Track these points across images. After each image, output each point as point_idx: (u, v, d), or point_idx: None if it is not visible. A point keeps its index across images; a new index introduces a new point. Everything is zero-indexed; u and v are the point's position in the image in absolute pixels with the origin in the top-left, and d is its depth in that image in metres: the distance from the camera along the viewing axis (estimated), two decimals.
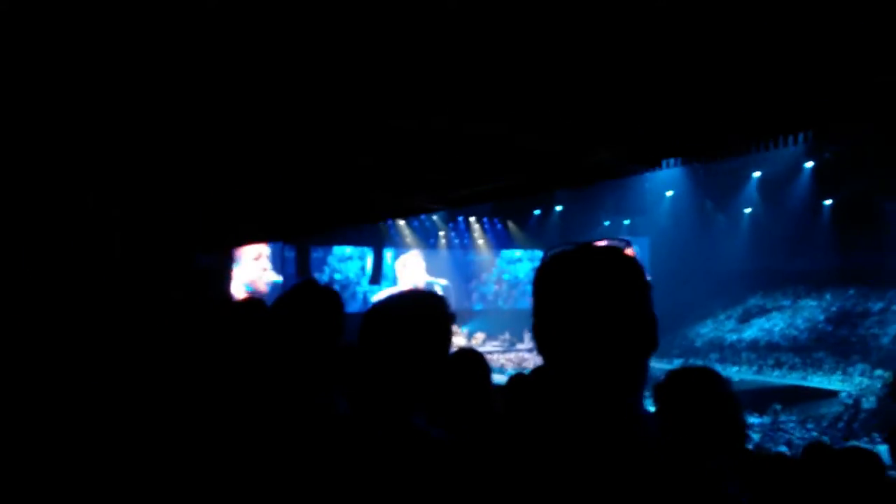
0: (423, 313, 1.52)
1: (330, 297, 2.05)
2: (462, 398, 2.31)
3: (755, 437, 16.13)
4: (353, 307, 29.19)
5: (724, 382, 1.93)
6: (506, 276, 32.49)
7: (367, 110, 3.98)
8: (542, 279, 1.13)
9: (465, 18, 2.56)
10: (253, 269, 25.14)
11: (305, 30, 2.74)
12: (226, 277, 22.19)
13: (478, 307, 31.82)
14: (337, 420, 1.64)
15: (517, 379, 2.94)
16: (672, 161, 4.58)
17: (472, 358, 2.59)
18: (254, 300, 2.46)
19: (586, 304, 1.05)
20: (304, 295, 2.04)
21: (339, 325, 2.02)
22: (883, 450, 14.79)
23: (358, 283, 29.26)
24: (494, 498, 0.99)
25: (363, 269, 29.28)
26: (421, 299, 1.57)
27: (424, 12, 2.49)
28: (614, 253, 1.11)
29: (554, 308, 1.09)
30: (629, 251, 1.12)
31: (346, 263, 29.17)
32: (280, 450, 1.66)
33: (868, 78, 3.06)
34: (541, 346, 1.11)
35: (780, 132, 3.92)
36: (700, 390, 1.85)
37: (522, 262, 32.55)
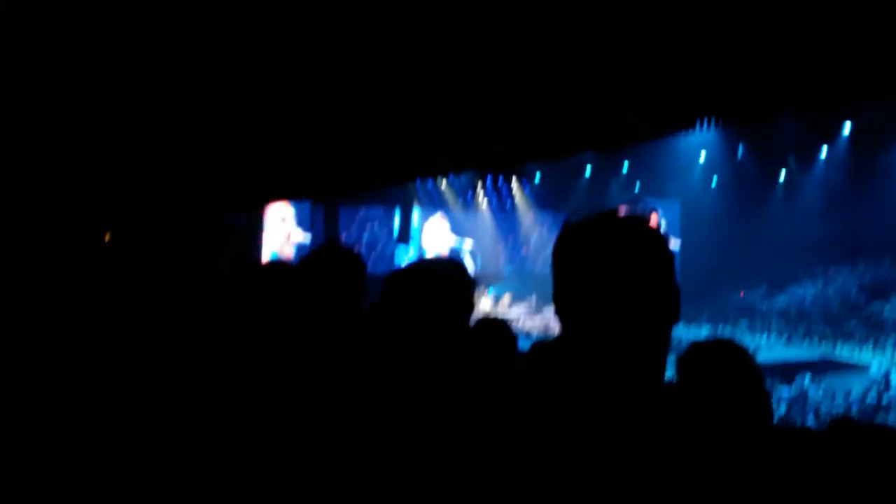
0: (442, 280, 1.50)
1: (351, 259, 2.03)
2: (486, 369, 2.29)
3: (782, 408, 16.03)
4: (380, 267, 29.46)
5: (747, 357, 1.88)
6: (533, 239, 32.39)
7: (403, 65, 3.92)
8: (563, 249, 1.10)
9: None
10: (279, 232, 25.32)
11: None
12: (255, 236, 22.45)
13: (506, 270, 31.86)
14: (360, 380, 1.64)
15: (539, 346, 2.90)
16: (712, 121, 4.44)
17: (497, 327, 2.55)
18: (278, 264, 2.45)
19: (607, 276, 1.02)
20: (325, 257, 2.02)
21: (361, 287, 2.01)
22: None
23: (386, 243, 29.41)
24: (507, 465, 0.99)
25: (391, 228, 29.40)
26: (440, 267, 1.55)
27: None
28: (637, 222, 1.07)
29: (574, 279, 1.07)
30: (653, 219, 1.09)
31: (374, 223, 29.28)
32: (301, 411, 1.66)
33: None
34: (561, 317, 1.09)
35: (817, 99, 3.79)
36: (722, 364, 1.81)
37: (549, 225, 32.40)
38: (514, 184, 31.60)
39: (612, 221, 1.07)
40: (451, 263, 1.57)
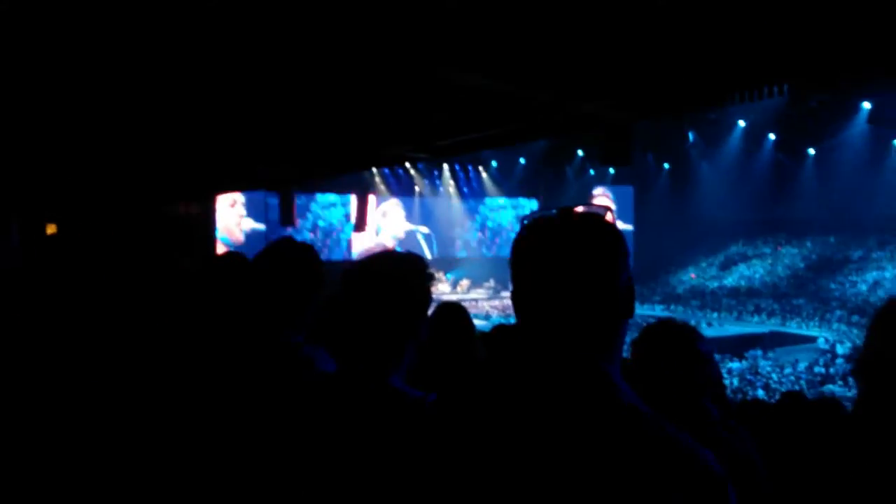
0: (401, 275, 1.49)
1: (307, 256, 2.00)
2: (445, 353, 2.30)
3: (735, 381, 16.50)
4: (336, 254, 29.27)
5: (698, 338, 1.94)
6: (489, 224, 32.56)
7: (357, 54, 3.86)
8: (521, 247, 1.10)
9: None
10: (229, 217, 24.93)
11: None
12: (208, 222, 22.06)
13: (461, 254, 31.98)
14: (317, 380, 1.62)
15: (500, 329, 2.94)
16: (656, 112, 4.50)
17: (454, 311, 2.58)
18: (233, 255, 2.40)
19: (564, 274, 1.04)
20: (281, 254, 1.99)
21: (318, 282, 1.99)
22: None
23: (342, 230, 29.23)
24: (463, 459, 1.01)
25: (346, 215, 29.22)
26: (399, 260, 1.53)
27: None
28: (594, 220, 1.09)
29: (531, 276, 1.08)
30: (609, 217, 1.10)
31: (330, 210, 29.04)
32: (259, 410, 1.64)
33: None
34: (519, 313, 1.10)
35: (760, 84, 3.86)
36: (672, 343, 1.87)
37: (506, 210, 32.59)
38: (474, 171, 31.61)
39: (569, 220, 1.08)
40: (410, 257, 1.56)
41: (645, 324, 2.05)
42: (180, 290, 2.65)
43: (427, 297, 1.57)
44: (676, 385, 1.85)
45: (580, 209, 1.11)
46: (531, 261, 1.08)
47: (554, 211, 1.11)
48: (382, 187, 29.86)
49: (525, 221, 1.12)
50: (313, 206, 28.50)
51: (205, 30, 3.41)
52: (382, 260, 1.58)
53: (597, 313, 1.05)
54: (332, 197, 28.64)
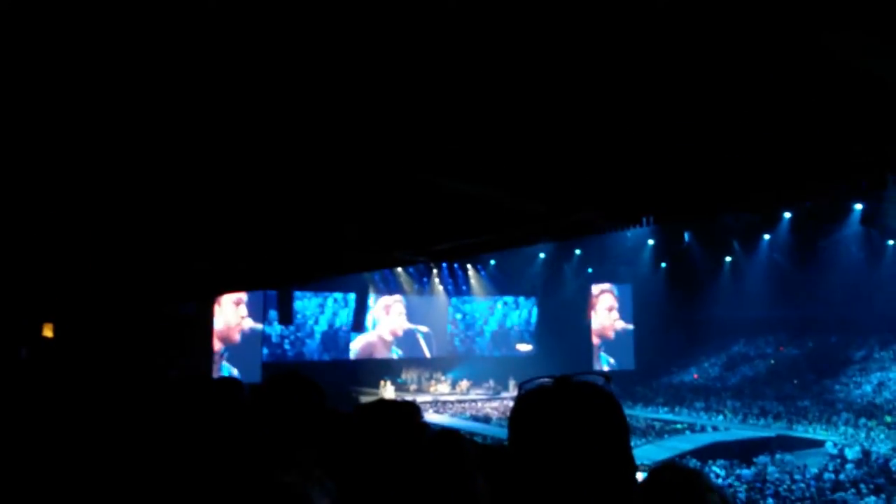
0: (394, 434, 1.45)
1: (312, 389, 1.96)
2: (444, 492, 2.20)
3: (743, 492, 15.94)
4: (334, 353, 29.09)
5: (711, 487, 1.85)
6: (481, 323, 32.72)
7: (355, 164, 3.96)
8: (519, 415, 1.10)
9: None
10: (231, 316, 24.86)
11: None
12: (207, 325, 22.00)
13: (462, 354, 31.85)
14: None
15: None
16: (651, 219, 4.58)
17: (452, 444, 2.45)
18: (230, 381, 2.37)
19: (564, 448, 1.03)
20: (286, 387, 1.95)
21: (320, 415, 1.94)
22: (871, 501, 14.45)
23: (341, 329, 29.15)
24: None
25: (347, 313, 29.25)
26: (388, 418, 1.49)
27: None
28: (591, 391, 1.08)
29: (531, 447, 1.07)
30: (606, 385, 1.10)
31: (330, 309, 29.08)
32: None
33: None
34: (519, 479, 1.07)
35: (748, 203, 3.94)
36: (684, 496, 1.77)
37: (500, 308, 32.80)
38: (470, 270, 31.92)
39: (567, 391, 1.07)
40: (404, 407, 1.53)
41: (652, 465, 1.96)
42: (168, 404, 2.61)
43: (422, 449, 1.52)
44: None
45: (578, 379, 1.10)
46: (533, 432, 1.07)
47: (550, 380, 1.11)
48: (384, 286, 30.00)
49: (524, 387, 1.12)
50: (311, 305, 28.54)
51: (210, 129, 3.51)
52: (375, 415, 1.54)
53: (603, 488, 1.04)
54: (332, 296, 28.76)
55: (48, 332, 9.65)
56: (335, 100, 2.90)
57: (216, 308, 23.09)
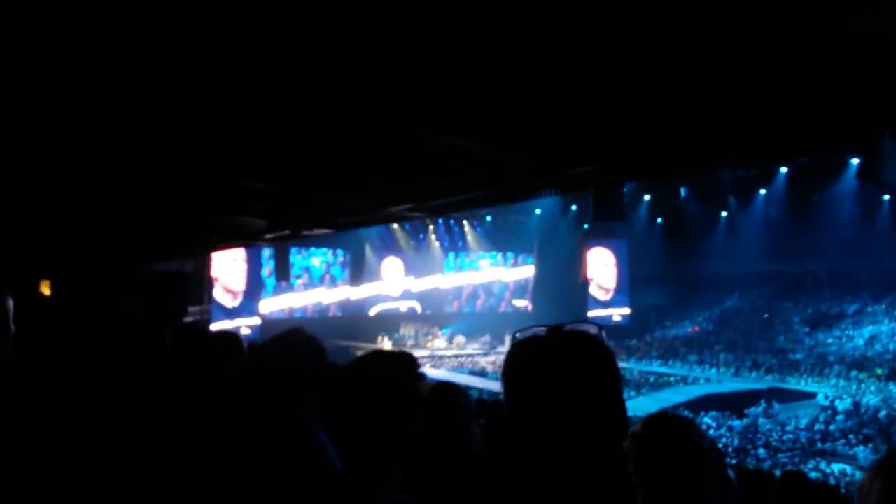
0: (390, 383, 1.46)
1: (313, 347, 1.97)
2: (439, 442, 2.24)
3: (736, 440, 16.27)
4: (333, 309, 29.30)
5: (702, 434, 1.87)
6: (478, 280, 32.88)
7: (354, 115, 3.92)
8: (513, 366, 1.10)
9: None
10: (229, 272, 24.88)
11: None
12: (201, 281, 22.04)
13: (450, 310, 32.11)
14: (317, 481, 1.57)
15: (494, 420, 2.86)
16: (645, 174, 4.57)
17: (448, 395, 2.48)
18: (229, 336, 2.39)
19: (557, 397, 1.04)
20: (289, 342, 1.96)
21: (320, 372, 1.95)
22: (859, 451, 14.79)
23: (338, 285, 29.32)
24: None
25: (343, 267, 29.43)
26: (388, 363, 1.50)
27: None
28: (584, 340, 1.08)
29: (525, 398, 1.08)
30: (598, 334, 1.10)
31: (326, 262, 29.19)
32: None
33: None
34: (514, 430, 1.09)
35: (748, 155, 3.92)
36: (675, 443, 1.80)
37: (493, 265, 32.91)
38: (467, 226, 31.91)
39: (559, 341, 1.08)
40: (400, 358, 1.53)
41: (644, 416, 1.98)
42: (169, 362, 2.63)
43: (418, 400, 1.53)
44: (681, 481, 1.78)
45: (570, 328, 1.11)
46: (527, 383, 1.08)
47: (544, 329, 1.11)
48: (380, 242, 30.03)
49: (517, 336, 1.12)
50: (310, 259, 28.61)
51: (199, 80, 3.47)
52: (372, 365, 1.55)
53: (596, 436, 1.05)
54: (327, 250, 28.84)
55: (45, 289, 9.67)
56: (327, 49, 2.85)
57: (213, 264, 23.07)
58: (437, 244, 31.75)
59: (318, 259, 28.86)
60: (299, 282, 28.02)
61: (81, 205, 6.58)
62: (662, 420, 1.89)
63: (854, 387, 21.14)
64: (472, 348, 29.06)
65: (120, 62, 2.92)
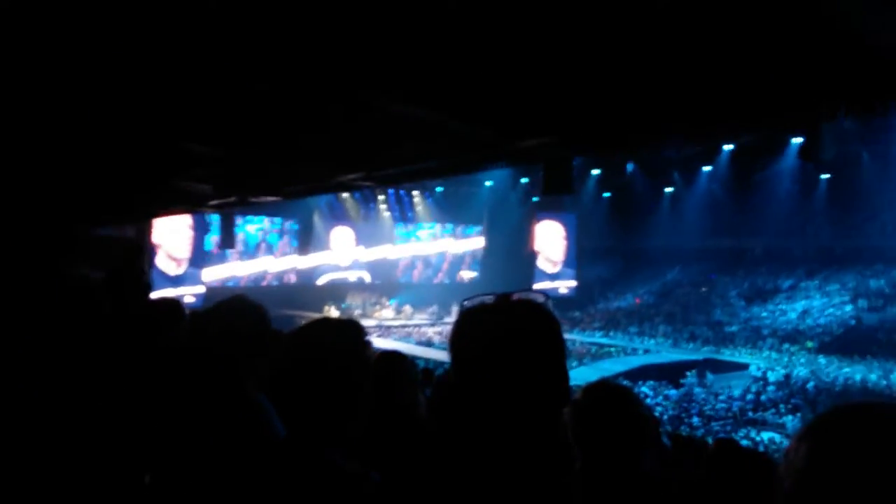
0: (338, 348, 1.46)
1: (258, 314, 1.94)
2: (385, 409, 2.26)
3: (671, 409, 16.83)
4: (279, 278, 28.95)
5: (639, 402, 1.94)
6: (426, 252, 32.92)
7: (303, 78, 3.83)
8: (460, 333, 1.12)
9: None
10: (172, 239, 24.32)
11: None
12: (146, 248, 21.51)
13: (402, 280, 32.11)
14: (262, 447, 1.56)
15: (440, 384, 2.90)
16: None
17: (393, 363, 2.50)
18: (170, 302, 2.34)
19: (503, 363, 1.06)
20: (232, 310, 1.93)
21: (265, 340, 1.93)
22: (788, 420, 15.49)
23: (285, 253, 28.96)
24: None
25: (290, 237, 29.03)
26: (335, 330, 1.50)
27: None
28: (530, 307, 1.11)
29: (472, 364, 1.09)
30: (545, 303, 1.12)
31: (273, 231, 28.77)
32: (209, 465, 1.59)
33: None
34: (461, 396, 1.10)
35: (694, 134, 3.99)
36: (614, 410, 1.86)
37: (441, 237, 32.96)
38: (416, 196, 31.83)
39: (506, 308, 1.09)
40: (347, 325, 1.53)
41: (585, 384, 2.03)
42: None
43: (365, 367, 1.53)
44: (619, 447, 1.84)
45: (518, 296, 1.12)
46: (474, 350, 1.10)
47: (492, 297, 1.13)
48: (328, 211, 29.71)
49: (465, 304, 1.14)
50: (255, 227, 28.14)
51: (143, 36, 3.35)
52: (316, 335, 1.54)
53: (540, 400, 1.07)
54: (276, 220, 28.39)
55: None
56: (275, 9, 2.77)
57: (155, 231, 22.50)
58: (387, 214, 31.61)
59: (253, 227, 28.31)
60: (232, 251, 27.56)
61: (11, 163, 6.31)
62: (602, 388, 1.95)
63: (785, 359, 22.09)
64: (420, 318, 29.21)
65: (59, 16, 2.79)
